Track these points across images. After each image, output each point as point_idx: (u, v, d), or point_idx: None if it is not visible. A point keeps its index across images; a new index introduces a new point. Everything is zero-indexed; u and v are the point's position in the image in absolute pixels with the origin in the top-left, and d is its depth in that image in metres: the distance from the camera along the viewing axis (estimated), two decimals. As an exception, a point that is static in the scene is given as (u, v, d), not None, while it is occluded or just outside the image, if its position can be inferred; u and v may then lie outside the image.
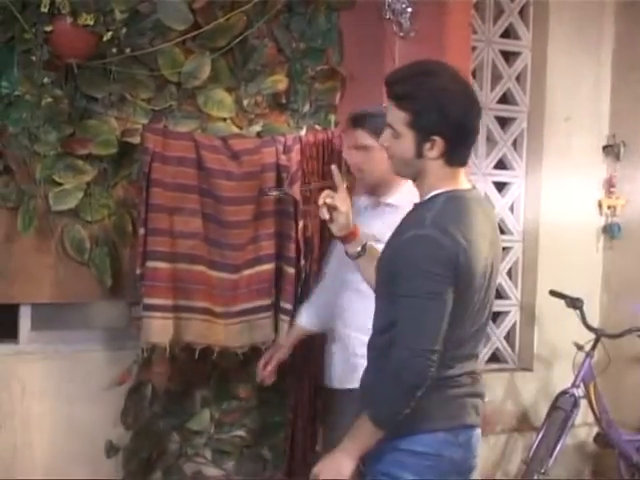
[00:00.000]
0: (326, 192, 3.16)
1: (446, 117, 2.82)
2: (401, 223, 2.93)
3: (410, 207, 2.96)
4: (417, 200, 2.94)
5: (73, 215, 4.10)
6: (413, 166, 2.89)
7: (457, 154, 2.90)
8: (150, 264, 3.88)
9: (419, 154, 2.85)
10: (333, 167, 3.32)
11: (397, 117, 2.86)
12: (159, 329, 3.89)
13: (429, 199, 2.89)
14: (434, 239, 2.73)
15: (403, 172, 2.97)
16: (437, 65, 2.96)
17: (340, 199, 3.15)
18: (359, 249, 3.18)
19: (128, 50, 4.02)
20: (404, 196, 3.44)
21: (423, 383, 2.71)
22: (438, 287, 2.71)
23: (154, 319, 3.88)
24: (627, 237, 5.94)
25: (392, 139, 2.89)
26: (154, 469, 4.36)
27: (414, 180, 2.95)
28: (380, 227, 3.39)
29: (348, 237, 3.19)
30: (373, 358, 2.95)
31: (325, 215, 3.13)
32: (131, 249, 4.14)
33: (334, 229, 3.18)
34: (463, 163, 2.95)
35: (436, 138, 2.82)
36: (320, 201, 3.13)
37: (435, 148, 2.83)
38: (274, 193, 3.97)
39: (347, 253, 3.22)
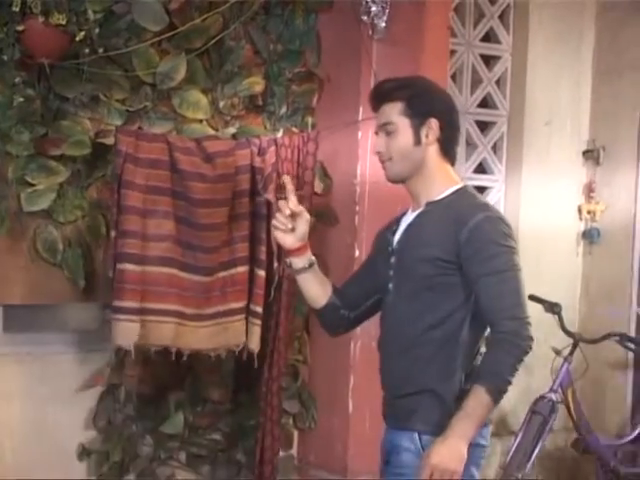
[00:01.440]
0: (282, 202, 3.08)
1: (438, 99, 3.06)
2: (438, 219, 2.97)
3: None
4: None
5: (46, 216, 4.06)
6: (413, 156, 2.99)
7: (450, 142, 3.04)
8: (119, 266, 3.86)
9: (417, 141, 2.98)
10: (285, 177, 3.26)
11: (390, 110, 3.00)
12: (124, 332, 3.86)
13: (456, 192, 3.02)
14: (502, 219, 2.97)
15: (403, 169, 3.01)
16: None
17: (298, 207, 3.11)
18: (306, 264, 3.13)
19: (101, 50, 3.98)
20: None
21: (531, 349, 2.85)
22: (518, 260, 2.92)
23: (120, 321, 3.85)
24: (606, 242, 5.92)
25: (387, 140, 3.00)
26: (127, 473, 4.34)
27: (414, 175, 3.00)
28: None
29: (301, 249, 3.12)
30: (431, 353, 2.95)
31: (288, 225, 3.04)
32: (104, 251, 4.11)
33: (290, 240, 3.07)
34: (454, 159, 3.10)
35: (431, 120, 2.97)
36: (286, 211, 3.04)
37: (431, 133, 2.98)
38: None
39: (290, 266, 3.17)
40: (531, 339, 2.86)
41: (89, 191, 4.15)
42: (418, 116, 2.98)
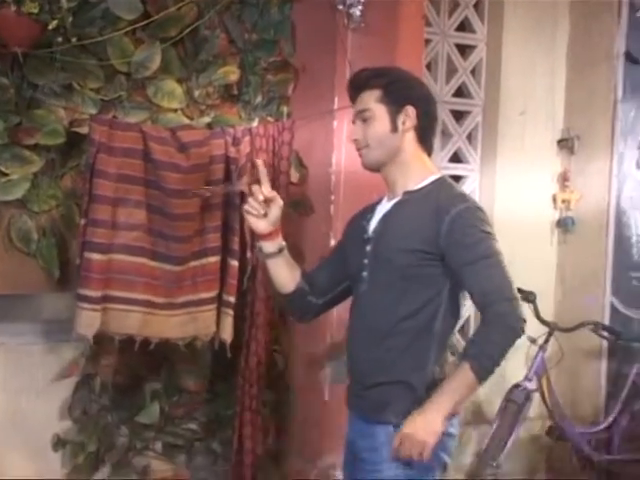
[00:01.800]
0: (256, 187, 3.10)
1: (414, 86, 3.09)
2: (417, 209, 2.98)
3: None
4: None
5: (20, 206, 4.04)
6: (389, 143, 3.01)
7: (427, 130, 3.07)
8: (86, 255, 3.83)
9: (394, 128, 3.01)
10: (258, 161, 3.26)
11: (368, 97, 3.03)
12: (86, 320, 3.84)
13: (434, 183, 3.03)
14: (480, 208, 3.00)
15: (380, 156, 3.03)
16: None
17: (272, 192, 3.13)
18: (276, 249, 3.16)
19: (75, 39, 3.95)
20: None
21: (524, 332, 2.89)
22: (499, 247, 2.96)
23: (84, 310, 3.83)
24: (581, 231, 5.95)
25: (364, 127, 3.02)
26: (102, 463, 4.33)
27: (390, 163, 3.02)
28: None
29: (272, 234, 3.15)
30: (404, 343, 2.96)
31: (261, 211, 3.07)
32: (78, 240, 4.09)
33: (262, 225, 3.10)
34: (430, 148, 3.13)
35: (408, 107, 3.00)
36: (259, 196, 3.06)
37: (408, 120, 3.01)
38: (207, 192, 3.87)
39: (261, 250, 3.19)
40: (524, 321, 2.88)
41: (63, 180, 4.12)
42: (395, 103, 3.00)
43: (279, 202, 3.09)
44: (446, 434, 2.94)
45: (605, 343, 5.81)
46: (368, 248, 3.06)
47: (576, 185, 5.97)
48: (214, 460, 4.59)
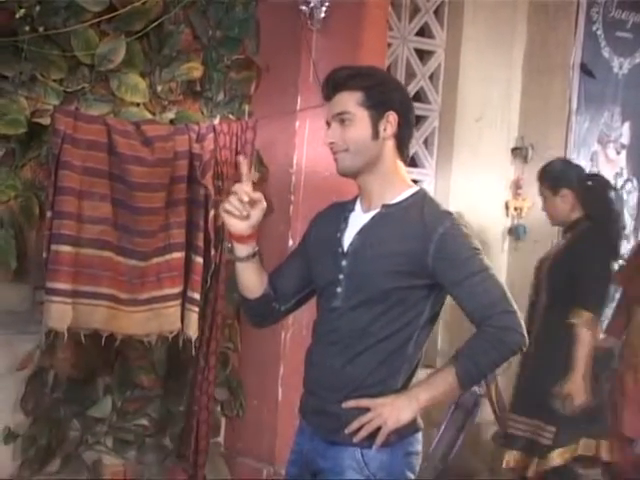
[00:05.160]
0: (239, 186, 2.86)
1: (397, 92, 2.91)
2: (399, 225, 2.85)
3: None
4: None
5: (-22, 195, 3.99)
6: (369, 151, 2.84)
7: (405, 139, 2.91)
8: (54, 247, 3.78)
9: (375, 134, 2.84)
10: (241, 157, 3.17)
11: (347, 99, 2.84)
12: (58, 314, 3.79)
13: (414, 196, 2.89)
14: (464, 225, 2.86)
15: (358, 162, 2.85)
16: None
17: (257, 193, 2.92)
18: (250, 253, 2.96)
19: (41, 29, 3.92)
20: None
21: (520, 350, 2.78)
22: (488, 262, 2.83)
23: (53, 304, 3.79)
24: (532, 239, 6.02)
25: (342, 130, 2.84)
26: (53, 457, 4.28)
27: (367, 171, 2.87)
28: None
29: (250, 237, 2.94)
30: (374, 365, 2.83)
31: (244, 212, 2.84)
32: (37, 232, 4.05)
33: (242, 227, 2.88)
34: (407, 158, 2.98)
35: (390, 113, 2.84)
36: (244, 197, 2.83)
37: (389, 127, 2.84)
38: None
39: (232, 252, 2.99)
40: (522, 336, 2.77)
41: (23, 171, 4.08)
42: (377, 108, 2.84)
43: (263, 204, 2.87)
44: (412, 453, 2.86)
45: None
46: (344, 263, 2.88)
47: (528, 193, 6.04)
48: (164, 457, 4.56)
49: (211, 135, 4.14)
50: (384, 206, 2.88)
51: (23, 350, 4.16)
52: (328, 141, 2.89)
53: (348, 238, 2.91)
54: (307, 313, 3.19)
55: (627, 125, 6.42)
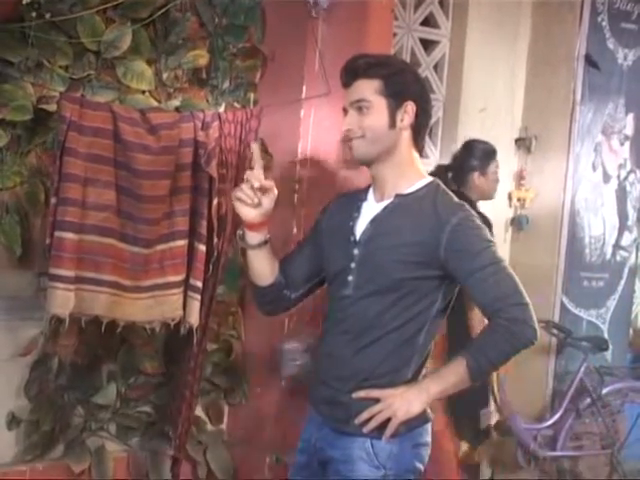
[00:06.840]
0: (250, 172, 2.94)
1: (414, 80, 2.94)
2: (413, 216, 2.87)
3: None
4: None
5: (-17, 182, 3.99)
6: (386, 139, 2.86)
7: (422, 129, 2.94)
8: (58, 234, 3.77)
9: (392, 124, 2.86)
10: (253, 144, 3.18)
11: (366, 87, 2.86)
12: (60, 300, 3.78)
13: (427, 187, 2.92)
14: (476, 216, 2.88)
15: (374, 150, 2.87)
16: None
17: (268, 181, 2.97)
18: (262, 240, 3.02)
19: (48, 15, 3.91)
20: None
21: (532, 343, 2.81)
22: (500, 254, 2.88)
23: (57, 290, 3.78)
24: (535, 229, 6.04)
25: (359, 117, 2.86)
26: (56, 442, 4.29)
27: (382, 160, 2.89)
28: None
29: (262, 225, 3.00)
30: (386, 354, 2.86)
31: (255, 199, 2.90)
32: (43, 218, 4.04)
33: (253, 215, 2.94)
34: (422, 149, 3.03)
35: (408, 103, 2.86)
36: (255, 184, 2.89)
37: (406, 117, 2.87)
38: None
39: (243, 240, 3.05)
40: (534, 329, 2.78)
41: (28, 157, 4.07)
42: (395, 97, 2.85)
43: (274, 192, 2.94)
44: (421, 444, 2.90)
45: (554, 341, 5.90)
46: (356, 252, 2.91)
47: (532, 184, 6.06)
48: (168, 443, 4.57)
49: (216, 123, 4.12)
50: (397, 196, 2.91)
51: (27, 336, 4.17)
52: (345, 128, 2.91)
53: (360, 227, 2.94)
54: (312, 302, 3.19)
55: (631, 116, 6.42)
